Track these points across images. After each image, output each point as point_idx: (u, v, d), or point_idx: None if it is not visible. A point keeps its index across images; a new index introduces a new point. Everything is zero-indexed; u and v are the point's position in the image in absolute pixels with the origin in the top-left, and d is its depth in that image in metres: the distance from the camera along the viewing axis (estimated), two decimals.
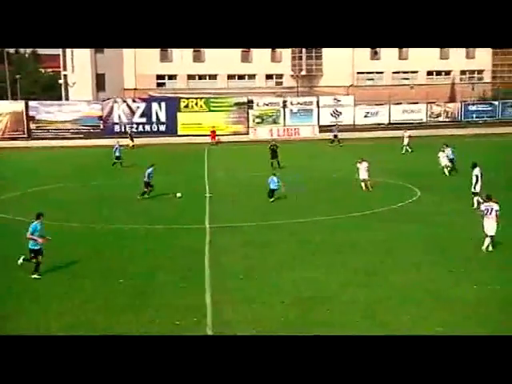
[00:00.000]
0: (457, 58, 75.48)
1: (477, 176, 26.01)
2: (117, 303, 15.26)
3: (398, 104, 64.84)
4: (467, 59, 77.03)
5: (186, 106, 60.86)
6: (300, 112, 62.41)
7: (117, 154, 42.21)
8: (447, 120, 64.46)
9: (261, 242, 20.88)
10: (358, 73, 75.85)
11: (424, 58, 73.22)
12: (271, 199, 28.30)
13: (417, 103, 65.58)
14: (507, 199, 25.35)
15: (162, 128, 60.69)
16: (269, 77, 75.14)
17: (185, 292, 15.99)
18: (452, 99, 71.95)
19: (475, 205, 25.08)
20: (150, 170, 30.27)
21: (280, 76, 75.35)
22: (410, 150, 46.96)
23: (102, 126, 60.20)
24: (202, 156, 47.40)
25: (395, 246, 20.13)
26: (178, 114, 60.55)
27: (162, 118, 60.66)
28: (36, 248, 17.46)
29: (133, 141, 54.33)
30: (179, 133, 60.18)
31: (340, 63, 71.88)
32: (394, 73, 76.46)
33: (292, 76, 74.57)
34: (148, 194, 29.90)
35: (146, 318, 14.18)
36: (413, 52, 74.07)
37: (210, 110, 60.94)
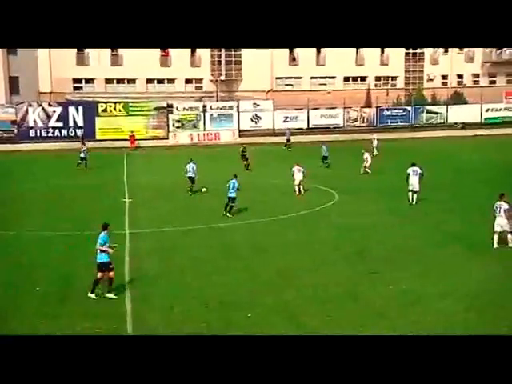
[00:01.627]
0: (372, 64, 77.42)
1: (408, 174, 27.49)
2: (33, 310, 14.78)
3: (316, 109, 65.87)
4: (381, 65, 79.18)
5: (105, 111, 59.73)
6: (220, 117, 62.39)
7: (82, 155, 43.01)
8: (363, 125, 66.05)
9: (182, 247, 20.74)
10: (277, 78, 76.54)
11: (341, 64, 74.73)
12: (227, 211, 25.53)
13: (334, 108, 66.86)
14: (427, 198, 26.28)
15: (80, 133, 59.28)
16: (188, 81, 74.74)
17: (104, 299, 15.67)
18: (368, 104, 73.78)
19: (411, 201, 27.28)
20: (191, 165, 32.00)
21: (199, 80, 75.11)
22: (376, 153, 46.33)
23: (15, 131, 58.21)
24: (121, 161, 46.64)
25: (314, 248, 20.44)
26: (96, 119, 59.31)
27: (80, 123, 59.28)
28: (106, 261, 15.83)
29: (84, 144, 53.38)
30: (97, 137, 58.95)
31: (259, 68, 72.34)
32: (312, 78, 77.63)
33: (211, 81, 74.49)
34: (191, 189, 31.43)
35: (66, 325, 13.79)
36: (330, 58, 75.50)
37: (129, 115, 60.05)
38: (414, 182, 27.40)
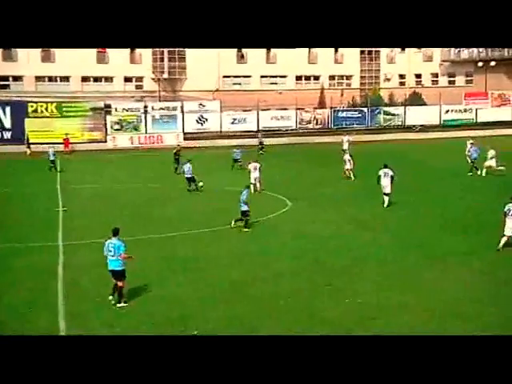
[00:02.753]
0: (325, 63, 78.37)
1: (379, 176, 28.40)
2: None
3: (266, 110, 66.18)
4: (335, 64, 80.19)
5: (35, 111, 58.63)
6: (163, 118, 62.06)
7: (51, 158, 43.81)
8: (317, 127, 66.59)
9: None
10: (224, 76, 76.68)
11: (292, 63, 75.31)
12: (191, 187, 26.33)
13: (286, 109, 67.30)
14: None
15: (7, 135, 58.05)
16: (128, 80, 74.15)
17: (35, 317, 15.30)
18: (321, 105, 74.48)
19: (385, 204, 28.18)
20: (187, 165, 33.94)
21: (140, 79, 74.59)
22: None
23: None
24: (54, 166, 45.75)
25: (267, 258, 20.45)
26: (26, 120, 58.14)
27: (7, 125, 58.04)
28: (123, 269, 16.36)
29: (30, 148, 52.26)
30: (28, 140, 57.76)
31: (205, 66, 72.29)
32: (261, 77, 78.03)
33: (153, 79, 74.06)
34: (197, 188, 33.70)
35: None
36: (281, 56, 75.98)
37: (63, 116, 59.12)
38: (385, 184, 28.21)
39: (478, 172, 36.80)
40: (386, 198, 28.29)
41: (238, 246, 22.36)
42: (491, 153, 37.38)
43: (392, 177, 28.32)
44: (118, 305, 16.15)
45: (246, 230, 24.35)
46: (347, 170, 37.16)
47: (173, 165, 41.17)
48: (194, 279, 18.42)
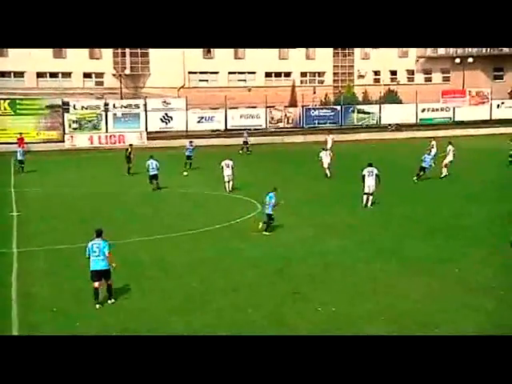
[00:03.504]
0: (296, 59, 78.77)
1: (363, 175, 29.40)
2: None
3: (234, 108, 66.36)
4: (307, 60, 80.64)
5: None
6: (125, 116, 61.88)
7: (19, 157, 44.08)
8: (288, 126, 66.91)
9: (78, 267, 20.46)
10: (190, 72, 76.68)
11: (262, 58, 75.57)
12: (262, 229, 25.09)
13: (255, 107, 67.55)
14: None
15: None
16: (87, 75, 73.83)
17: None
18: (293, 103, 74.89)
19: (364, 203, 29.14)
20: (152, 162, 35.47)
21: (100, 75, 74.31)
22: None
23: None
24: (7, 167, 45.48)
25: (230, 267, 20.61)
26: None
27: None
28: (109, 267, 17.31)
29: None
30: None
31: (169, 61, 72.22)
32: (229, 73, 78.19)
33: (114, 75, 73.85)
34: (158, 187, 35.21)
35: None
36: (250, 51, 76.08)
37: (17, 114, 58.63)
38: (370, 184, 29.08)
39: (414, 178, 36.92)
40: (370, 198, 29.14)
41: (199, 252, 22.42)
42: (449, 148, 39.23)
43: (377, 175, 29.18)
44: (109, 301, 17.27)
45: (267, 233, 24.69)
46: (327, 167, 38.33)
47: (125, 165, 41.62)
48: (152, 289, 18.53)
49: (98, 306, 16.94)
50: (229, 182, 34.01)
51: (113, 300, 17.34)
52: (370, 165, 29.75)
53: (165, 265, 21.03)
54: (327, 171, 38.38)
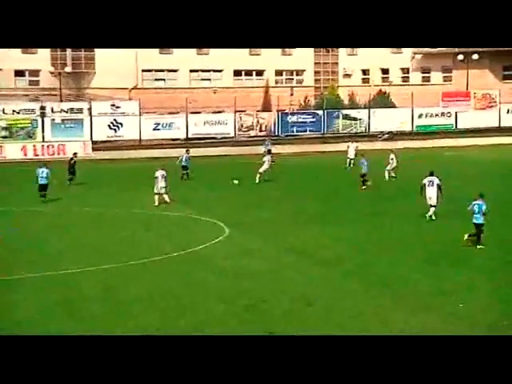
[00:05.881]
0: (270, 54, 78.71)
1: (423, 184, 31.07)
2: None
3: (197, 113, 66.32)
4: (283, 56, 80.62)
5: None
6: (66, 123, 61.65)
7: None
8: (261, 134, 66.82)
9: (8, 305, 20.23)
10: (144, 70, 76.50)
11: (229, 54, 75.39)
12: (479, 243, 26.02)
13: (222, 112, 67.53)
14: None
15: None
16: (19, 73, 73.34)
17: None
18: (266, 107, 74.95)
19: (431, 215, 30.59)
20: (43, 170, 38.35)
21: (35, 73, 73.82)
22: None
23: None
24: None
25: (192, 302, 20.48)
26: None
27: None
28: None
29: None
30: None
31: (119, 57, 71.62)
32: (191, 71, 78.11)
33: (53, 73, 73.38)
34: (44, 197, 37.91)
35: None
36: None
37: None
38: (430, 195, 30.84)
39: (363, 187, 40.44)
40: (432, 210, 30.71)
41: (156, 285, 22.29)
42: (392, 157, 45.06)
43: (438, 185, 30.78)
44: None
45: (481, 246, 25.63)
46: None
47: (67, 176, 43.74)
48: (98, 328, 18.24)
49: None
50: (162, 194, 35.96)
51: None
52: (432, 174, 31.40)
53: (113, 300, 20.77)
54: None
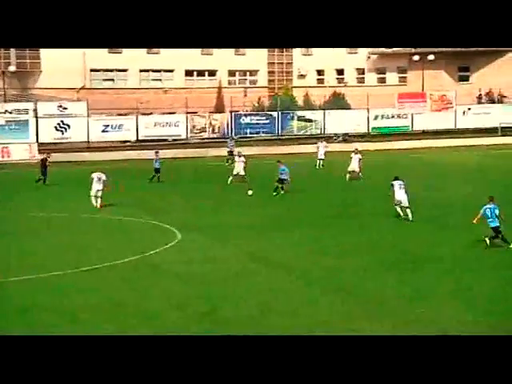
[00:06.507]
0: (223, 54, 78.70)
1: (392, 185, 32.14)
2: None
3: (148, 114, 66.07)
4: (236, 56, 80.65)
5: None
6: (9, 124, 61.08)
7: None
8: (214, 136, 66.87)
9: None
10: (92, 70, 76.07)
11: (181, 53, 75.20)
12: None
13: (174, 113, 67.34)
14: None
15: None
16: None
17: None
18: (219, 108, 74.96)
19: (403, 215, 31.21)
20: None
21: None
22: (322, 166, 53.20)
23: None
24: None
25: (147, 311, 20.23)
26: None
27: None
28: None
29: None
30: None
31: (66, 56, 71.08)
32: (141, 71, 77.86)
33: None
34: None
35: None
36: None
37: None
38: (401, 198, 31.88)
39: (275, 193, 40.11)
40: (408, 210, 31.59)
41: (108, 292, 22.07)
42: (356, 157, 46.03)
43: (405, 188, 32.01)
44: None
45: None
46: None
47: (39, 176, 44.22)
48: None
49: None
50: (96, 196, 36.41)
51: None
52: (397, 178, 32.55)
53: (66, 310, 20.37)
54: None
